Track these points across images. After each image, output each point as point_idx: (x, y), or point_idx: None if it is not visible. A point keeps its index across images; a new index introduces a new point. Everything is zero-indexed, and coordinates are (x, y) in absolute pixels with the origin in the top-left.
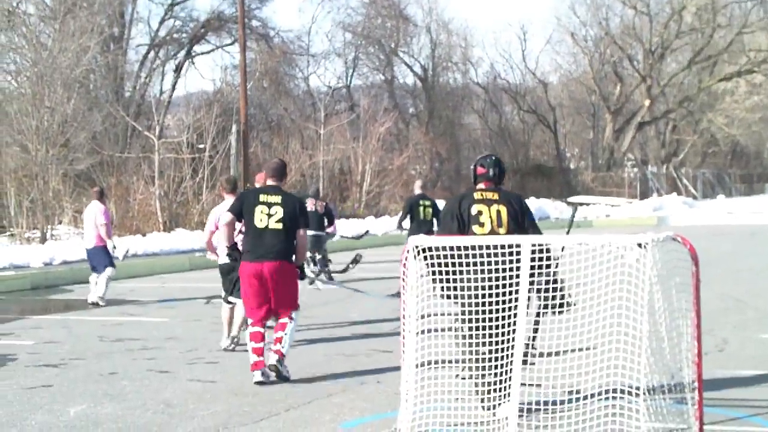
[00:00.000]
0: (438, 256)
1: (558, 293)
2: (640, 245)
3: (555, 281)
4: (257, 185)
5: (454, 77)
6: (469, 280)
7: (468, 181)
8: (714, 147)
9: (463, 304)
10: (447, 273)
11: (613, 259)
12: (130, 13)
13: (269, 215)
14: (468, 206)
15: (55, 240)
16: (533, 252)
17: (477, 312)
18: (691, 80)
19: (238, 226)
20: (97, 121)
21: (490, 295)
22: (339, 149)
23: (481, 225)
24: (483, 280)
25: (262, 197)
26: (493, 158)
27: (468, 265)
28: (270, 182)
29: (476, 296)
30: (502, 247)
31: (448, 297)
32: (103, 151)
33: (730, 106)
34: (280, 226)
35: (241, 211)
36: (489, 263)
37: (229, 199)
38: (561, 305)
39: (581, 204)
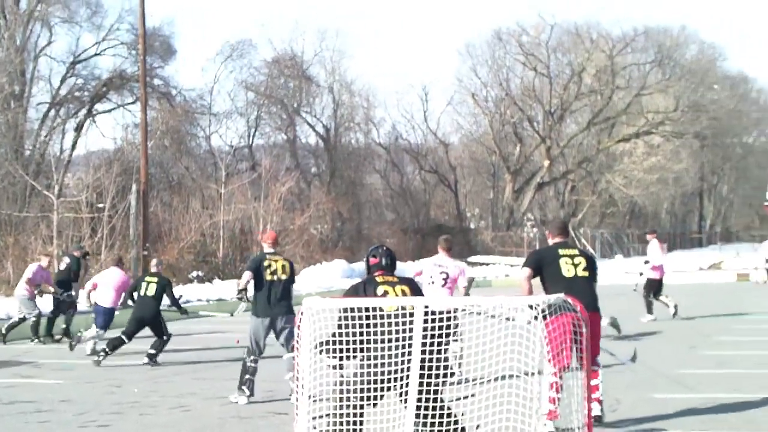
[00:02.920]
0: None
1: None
2: (531, 307)
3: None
4: (264, 245)
5: (356, 137)
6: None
7: (368, 241)
8: (612, 207)
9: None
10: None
11: (505, 321)
12: (32, 71)
13: (575, 265)
14: (374, 289)
15: None
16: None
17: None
18: (590, 141)
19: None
20: None
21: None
22: (240, 209)
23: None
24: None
25: (561, 251)
26: (385, 248)
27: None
28: (559, 239)
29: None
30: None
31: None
32: (1, 210)
33: (629, 167)
34: (586, 274)
35: (540, 267)
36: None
37: (441, 254)
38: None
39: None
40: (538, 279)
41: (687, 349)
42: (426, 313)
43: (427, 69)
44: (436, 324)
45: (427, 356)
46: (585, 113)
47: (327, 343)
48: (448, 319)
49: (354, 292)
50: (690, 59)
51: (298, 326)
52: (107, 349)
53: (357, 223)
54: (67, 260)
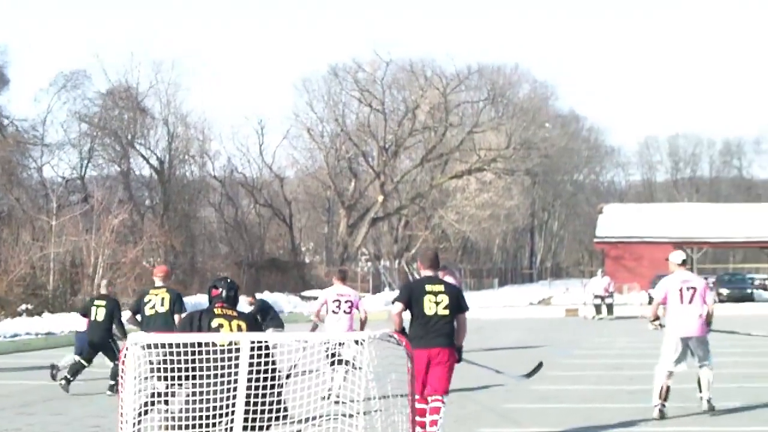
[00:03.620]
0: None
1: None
2: (357, 342)
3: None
4: (155, 279)
5: (191, 170)
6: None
7: (201, 274)
8: (445, 242)
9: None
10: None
11: (330, 356)
12: None
13: (437, 303)
14: (208, 321)
15: None
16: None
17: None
18: (423, 177)
19: None
20: None
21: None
22: (71, 241)
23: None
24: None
25: (428, 287)
26: (228, 281)
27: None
28: (429, 272)
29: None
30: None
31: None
32: None
33: (461, 203)
34: (446, 312)
35: (410, 301)
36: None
37: (338, 284)
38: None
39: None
40: None
41: (513, 383)
42: (253, 349)
43: (264, 103)
44: (262, 360)
45: (252, 392)
46: (419, 149)
47: (158, 370)
48: (271, 355)
49: (189, 320)
50: (522, 98)
51: (123, 362)
52: (68, 375)
53: (191, 256)
54: None
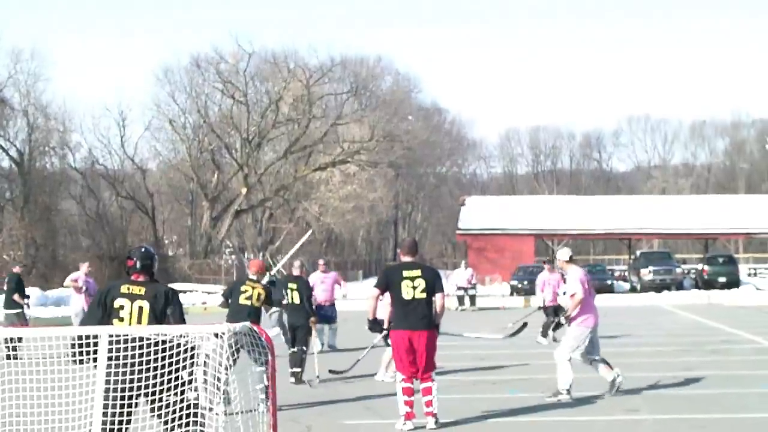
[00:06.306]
0: None
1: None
2: (216, 335)
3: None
4: (249, 272)
5: (51, 162)
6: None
7: (63, 268)
8: (310, 235)
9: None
10: None
11: (190, 349)
12: None
13: (414, 287)
14: (112, 299)
15: None
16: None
17: None
18: (287, 169)
19: None
20: None
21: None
22: None
23: (121, 320)
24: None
25: (405, 273)
26: (143, 250)
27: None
28: (407, 258)
29: None
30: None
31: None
32: None
33: (325, 195)
34: (424, 295)
35: (387, 286)
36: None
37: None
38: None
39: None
40: None
41: (372, 376)
42: (113, 342)
43: (125, 93)
44: (123, 353)
45: (111, 386)
46: (282, 141)
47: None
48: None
49: (100, 297)
50: (385, 90)
51: None
52: (295, 369)
53: (52, 249)
54: None
